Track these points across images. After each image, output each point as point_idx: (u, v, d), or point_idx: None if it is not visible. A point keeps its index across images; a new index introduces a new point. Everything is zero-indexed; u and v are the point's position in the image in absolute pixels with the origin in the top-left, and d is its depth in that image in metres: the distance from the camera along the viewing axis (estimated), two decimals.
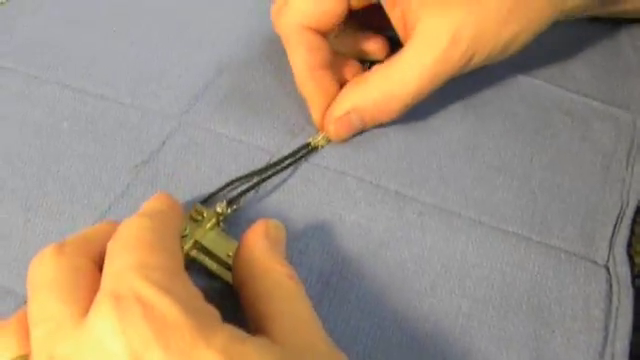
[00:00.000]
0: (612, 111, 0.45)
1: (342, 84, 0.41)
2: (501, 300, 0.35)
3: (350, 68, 0.43)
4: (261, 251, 0.30)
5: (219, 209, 0.35)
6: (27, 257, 0.33)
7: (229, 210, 0.35)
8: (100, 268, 0.27)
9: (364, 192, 0.39)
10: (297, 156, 0.39)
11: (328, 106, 0.40)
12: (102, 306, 0.24)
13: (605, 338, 0.34)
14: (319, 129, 0.41)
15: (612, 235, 0.38)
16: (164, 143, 0.40)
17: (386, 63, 0.39)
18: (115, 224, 0.30)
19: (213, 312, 0.26)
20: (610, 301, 0.36)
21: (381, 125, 0.41)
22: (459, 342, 0.33)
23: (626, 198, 0.40)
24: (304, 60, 0.39)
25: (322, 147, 0.40)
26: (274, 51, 0.45)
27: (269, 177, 0.38)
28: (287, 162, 0.39)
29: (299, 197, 0.38)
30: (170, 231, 0.29)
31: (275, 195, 0.38)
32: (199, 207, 0.35)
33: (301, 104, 0.42)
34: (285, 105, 0.43)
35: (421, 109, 0.42)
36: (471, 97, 0.45)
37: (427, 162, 0.40)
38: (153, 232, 0.27)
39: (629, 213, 0.39)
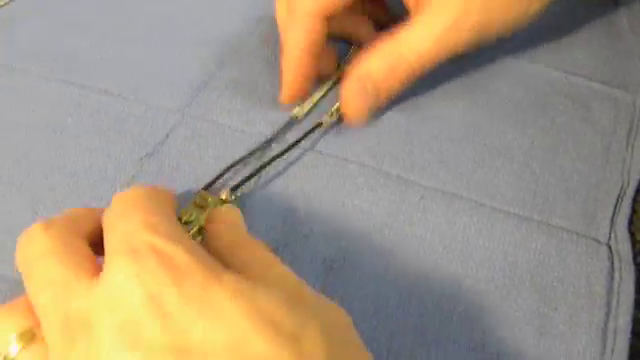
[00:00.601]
0: (611, 92, 0.45)
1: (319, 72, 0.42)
2: (504, 280, 0.35)
3: (330, 56, 0.44)
4: (227, 234, 0.31)
5: (223, 196, 0.35)
6: None
7: (233, 197, 0.36)
8: (89, 244, 0.29)
9: (366, 177, 0.39)
10: (301, 138, 0.40)
11: (299, 90, 0.41)
12: (118, 259, 0.25)
13: (607, 315, 0.35)
14: (281, 103, 0.42)
15: (613, 214, 0.39)
16: (168, 135, 0.40)
17: (397, 29, 0.40)
18: (93, 208, 0.31)
19: (217, 262, 0.27)
20: (612, 278, 0.36)
21: (382, 111, 0.42)
22: (463, 322, 0.34)
23: (627, 177, 0.41)
24: (298, 43, 0.40)
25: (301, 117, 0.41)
26: (274, 43, 0.46)
27: (273, 160, 0.38)
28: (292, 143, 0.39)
29: (302, 183, 0.38)
30: (164, 200, 0.30)
31: (278, 182, 0.38)
32: (204, 194, 0.35)
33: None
34: None
35: (421, 94, 0.43)
36: (471, 82, 0.45)
37: (428, 146, 0.41)
38: (149, 199, 0.29)
39: (630, 192, 0.40)
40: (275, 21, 0.43)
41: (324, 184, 0.38)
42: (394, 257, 0.36)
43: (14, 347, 0.26)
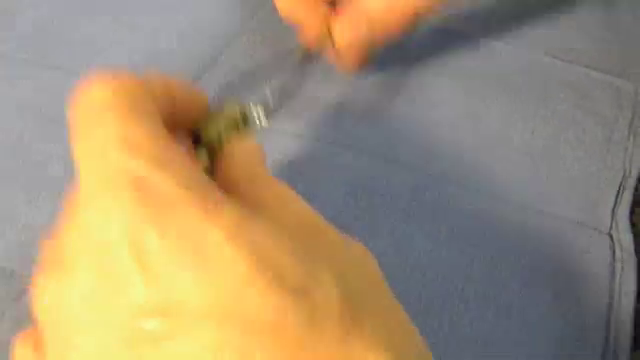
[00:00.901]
0: (613, 81, 0.45)
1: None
2: (504, 269, 0.35)
3: None
4: (243, 167, 0.26)
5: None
6: (30, 239, 0.34)
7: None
8: None
9: (361, 163, 0.39)
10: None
11: (319, 25, 0.40)
12: (90, 191, 0.20)
13: (610, 305, 0.34)
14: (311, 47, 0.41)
15: (615, 203, 0.38)
16: None
17: None
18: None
19: (215, 187, 0.21)
20: (614, 269, 0.36)
21: (383, 100, 0.41)
22: (467, 309, 0.34)
23: (628, 167, 0.40)
24: None
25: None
26: (277, 21, 0.45)
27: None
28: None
29: (298, 167, 0.38)
30: (147, 97, 0.23)
31: (276, 171, 0.38)
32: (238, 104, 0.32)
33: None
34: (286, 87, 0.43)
35: (422, 83, 0.42)
36: (472, 71, 0.45)
37: (428, 135, 0.40)
38: (127, 96, 0.22)
39: (631, 182, 0.39)
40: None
41: (319, 169, 0.38)
42: (391, 244, 0.35)
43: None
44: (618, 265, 0.36)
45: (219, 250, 0.19)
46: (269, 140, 0.38)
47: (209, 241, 0.19)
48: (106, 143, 0.21)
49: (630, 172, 0.40)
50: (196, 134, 0.27)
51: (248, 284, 0.19)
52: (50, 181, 0.37)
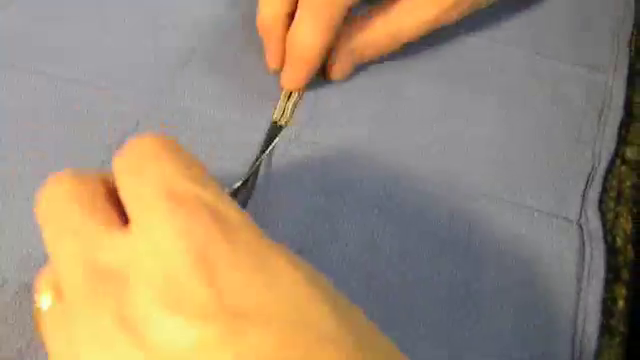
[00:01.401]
0: (582, 72, 0.45)
1: None
2: (476, 260, 0.36)
3: None
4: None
5: None
6: (3, 239, 0.34)
7: None
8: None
9: (335, 161, 0.39)
10: (271, 139, 0.40)
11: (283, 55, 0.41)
12: (161, 208, 0.23)
13: (578, 294, 0.35)
14: (274, 72, 0.42)
15: (584, 193, 0.39)
16: (138, 123, 0.40)
17: (386, 8, 0.41)
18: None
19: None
20: (583, 258, 0.36)
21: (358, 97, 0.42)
22: (438, 303, 0.34)
23: (598, 157, 0.41)
24: (275, 9, 0.40)
25: (286, 124, 0.41)
26: (245, 29, 0.45)
27: (257, 168, 0.38)
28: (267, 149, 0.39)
29: (273, 169, 0.38)
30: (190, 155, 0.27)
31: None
32: None
33: (275, 78, 0.42)
34: (258, 80, 0.43)
35: (393, 78, 0.43)
36: (442, 65, 0.45)
37: (396, 131, 0.41)
38: (178, 150, 0.26)
39: (600, 171, 0.40)
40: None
41: (296, 169, 0.38)
42: (362, 244, 0.36)
43: (47, 300, 0.25)
44: (587, 255, 0.36)
45: (284, 273, 0.23)
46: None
47: (273, 265, 0.23)
48: (172, 173, 0.24)
49: (599, 162, 0.41)
50: None
51: (312, 302, 0.23)
52: (20, 181, 0.37)
